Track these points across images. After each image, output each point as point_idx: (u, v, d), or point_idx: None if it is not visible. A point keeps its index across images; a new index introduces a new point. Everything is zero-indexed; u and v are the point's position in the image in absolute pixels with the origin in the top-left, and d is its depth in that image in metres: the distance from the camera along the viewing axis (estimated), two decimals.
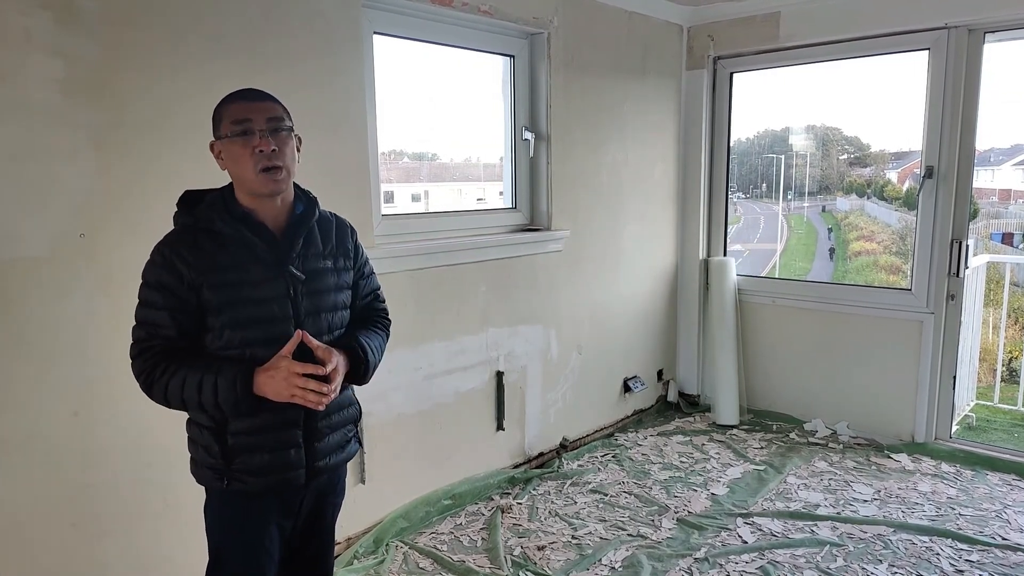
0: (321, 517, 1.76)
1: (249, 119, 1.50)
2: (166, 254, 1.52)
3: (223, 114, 1.54)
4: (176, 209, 1.60)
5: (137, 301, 1.56)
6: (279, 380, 1.47)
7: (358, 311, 1.78)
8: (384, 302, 1.88)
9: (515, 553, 2.84)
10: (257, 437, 1.56)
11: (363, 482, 2.87)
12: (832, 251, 11.37)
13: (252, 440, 1.56)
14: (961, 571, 2.67)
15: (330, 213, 1.74)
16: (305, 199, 1.66)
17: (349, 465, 2.83)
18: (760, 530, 3.00)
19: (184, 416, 1.64)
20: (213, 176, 1.68)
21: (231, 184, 1.61)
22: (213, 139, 1.58)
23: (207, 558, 1.67)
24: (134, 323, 1.57)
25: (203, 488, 1.66)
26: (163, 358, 1.52)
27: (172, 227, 1.60)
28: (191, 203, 1.59)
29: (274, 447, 1.58)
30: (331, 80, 2.61)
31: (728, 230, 4.56)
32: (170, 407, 1.55)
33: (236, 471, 1.57)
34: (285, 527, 1.68)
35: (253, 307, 1.53)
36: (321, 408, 1.50)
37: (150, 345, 1.53)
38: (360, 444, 1.84)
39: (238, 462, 1.56)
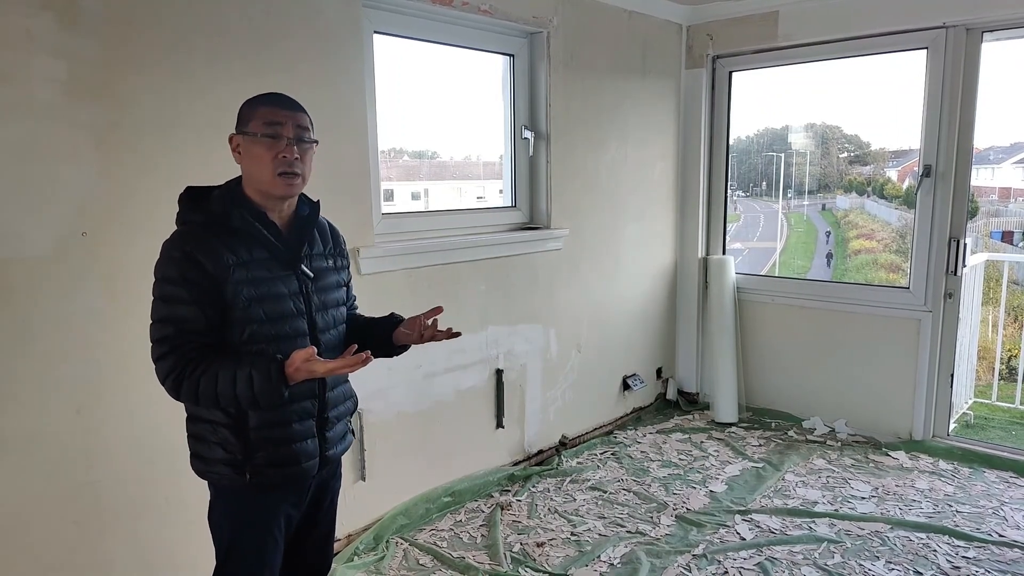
0: (322, 505, 1.81)
1: (280, 123, 1.56)
2: (187, 250, 1.51)
3: (254, 113, 1.57)
4: (180, 206, 1.61)
5: (155, 300, 1.53)
6: (319, 372, 1.46)
7: (348, 317, 1.86)
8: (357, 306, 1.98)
9: (515, 550, 2.86)
10: (277, 430, 1.60)
11: (363, 479, 2.89)
12: (830, 256, 11.36)
13: (273, 433, 1.60)
14: (958, 568, 2.69)
15: (324, 218, 1.80)
16: (309, 203, 1.72)
17: (350, 462, 2.86)
18: (758, 527, 3.01)
19: (183, 414, 1.66)
20: (216, 176, 1.70)
21: (236, 180, 1.63)
22: (235, 132, 1.60)
23: (210, 554, 1.68)
24: (154, 323, 1.53)
25: (205, 485, 1.67)
26: (194, 355, 1.49)
27: (174, 225, 1.61)
28: (196, 200, 1.60)
29: (293, 438, 1.62)
30: (331, 79, 2.63)
31: (728, 228, 4.57)
32: (198, 405, 1.54)
33: (258, 464, 1.59)
34: (292, 518, 1.72)
35: (273, 303, 1.58)
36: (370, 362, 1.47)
37: (180, 343, 1.50)
38: (353, 435, 1.90)
39: (260, 456, 1.59)
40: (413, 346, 1.83)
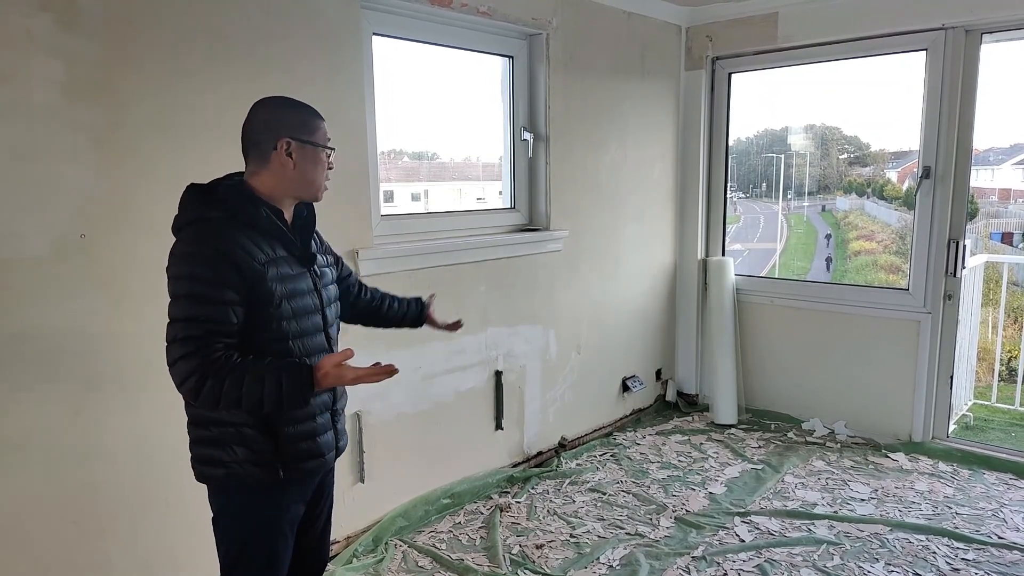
0: (320, 501, 1.84)
1: (330, 139, 1.71)
2: (220, 248, 1.50)
3: (316, 126, 1.67)
4: (191, 202, 1.59)
5: (179, 298, 1.50)
6: (347, 379, 1.55)
7: (355, 287, 2.03)
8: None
9: (514, 552, 2.85)
10: (307, 424, 1.65)
11: (362, 481, 2.89)
12: (829, 260, 11.32)
13: (303, 427, 1.64)
14: (957, 570, 2.69)
15: None
16: (306, 204, 1.76)
17: (349, 463, 2.86)
18: (758, 529, 3.01)
19: (182, 415, 1.65)
20: (215, 176, 1.69)
21: (239, 176, 1.64)
22: (290, 137, 1.62)
23: (210, 554, 1.68)
24: (178, 321, 1.49)
25: (204, 487, 1.67)
26: (219, 356, 1.47)
27: (175, 221, 1.60)
28: (206, 195, 1.60)
29: (318, 431, 1.67)
30: (331, 80, 2.63)
31: (727, 230, 4.57)
32: (217, 407, 1.51)
33: (292, 458, 1.62)
34: (299, 515, 1.74)
35: (299, 299, 1.63)
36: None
37: (207, 343, 1.47)
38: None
39: (291, 450, 1.62)
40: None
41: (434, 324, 2.13)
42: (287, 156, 1.61)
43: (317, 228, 1.84)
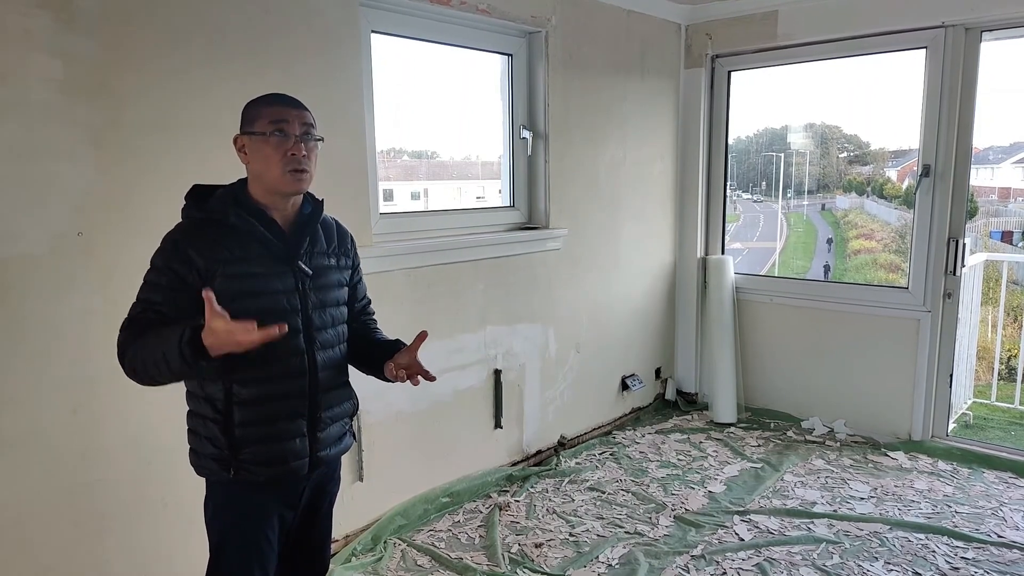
0: (319, 507, 1.80)
1: (286, 121, 1.58)
2: (178, 242, 1.55)
3: (259, 113, 1.59)
4: (185, 202, 1.63)
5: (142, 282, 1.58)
6: (221, 337, 1.39)
7: (356, 315, 1.87)
8: (373, 308, 1.97)
9: (513, 550, 2.85)
10: (263, 427, 1.60)
11: (361, 480, 2.88)
12: (827, 268, 11.25)
13: (259, 430, 1.59)
14: (957, 568, 2.68)
15: (332, 218, 1.81)
16: (312, 201, 1.73)
17: (348, 462, 2.85)
18: (757, 528, 3.01)
19: (184, 409, 1.66)
20: (213, 175, 1.70)
21: (242, 180, 1.65)
22: (239, 133, 1.62)
23: (207, 555, 1.68)
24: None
25: (203, 484, 1.67)
26: (141, 326, 1.51)
27: (179, 220, 1.62)
28: (200, 197, 1.62)
29: (280, 437, 1.62)
30: (329, 78, 2.62)
31: (727, 228, 4.57)
32: (135, 376, 1.51)
33: (243, 461, 1.59)
34: (286, 518, 1.71)
35: (265, 298, 1.58)
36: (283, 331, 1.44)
37: (139, 319, 1.53)
38: (354, 437, 1.89)
39: (245, 452, 1.59)
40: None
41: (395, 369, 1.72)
42: (243, 153, 1.61)
43: (348, 231, 1.82)
